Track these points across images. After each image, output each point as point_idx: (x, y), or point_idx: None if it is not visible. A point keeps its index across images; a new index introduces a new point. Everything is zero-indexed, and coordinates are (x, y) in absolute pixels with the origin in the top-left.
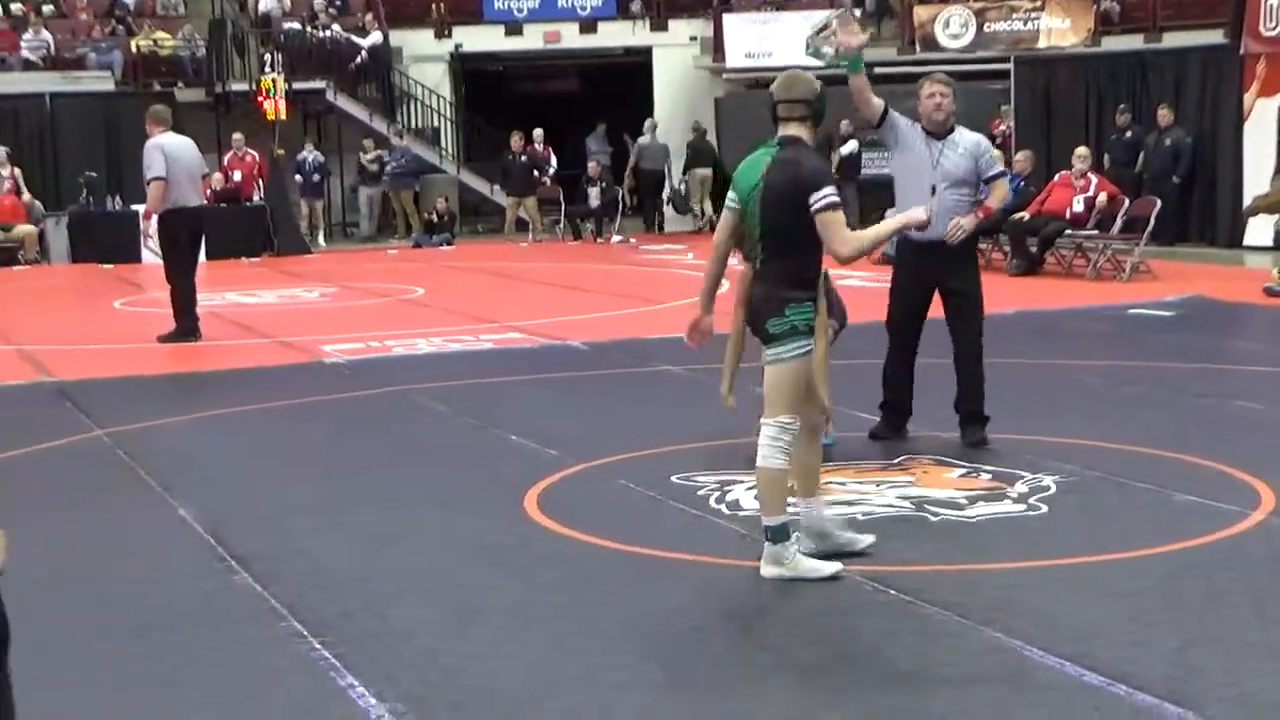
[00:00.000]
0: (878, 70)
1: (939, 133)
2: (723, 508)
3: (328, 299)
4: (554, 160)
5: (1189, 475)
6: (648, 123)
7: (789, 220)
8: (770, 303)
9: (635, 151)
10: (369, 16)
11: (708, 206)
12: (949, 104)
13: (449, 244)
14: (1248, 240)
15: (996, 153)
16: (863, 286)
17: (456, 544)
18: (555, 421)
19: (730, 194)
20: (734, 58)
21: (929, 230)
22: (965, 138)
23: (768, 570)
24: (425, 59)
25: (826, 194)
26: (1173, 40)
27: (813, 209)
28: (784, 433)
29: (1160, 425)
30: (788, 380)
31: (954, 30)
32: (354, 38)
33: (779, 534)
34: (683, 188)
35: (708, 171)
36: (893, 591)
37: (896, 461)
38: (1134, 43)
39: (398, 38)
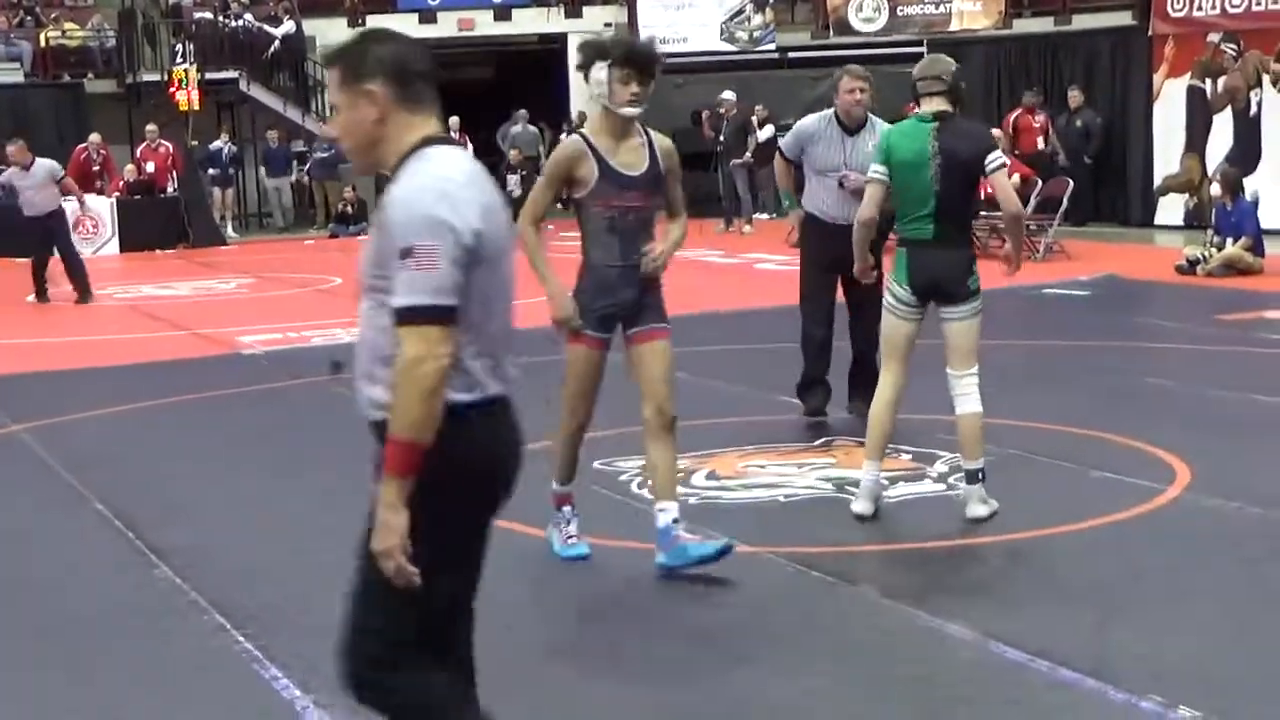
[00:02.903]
0: (791, 55)
1: (854, 126)
2: (645, 492)
3: (244, 290)
4: (470, 148)
5: (1105, 452)
6: (517, 112)
7: (967, 184)
8: (961, 265)
9: (508, 140)
10: (281, 5)
11: None
12: (867, 98)
13: (365, 233)
14: (1159, 219)
15: None
16: (777, 270)
17: None
18: None
19: (877, 167)
20: None
21: (843, 213)
22: (880, 129)
23: (979, 510)
24: None
25: (999, 156)
26: (1082, 22)
27: (989, 169)
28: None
29: (1076, 403)
30: (977, 332)
31: (867, 14)
32: (266, 27)
33: (981, 476)
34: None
35: None
36: (815, 573)
37: (818, 443)
38: (1044, 25)
39: (311, 26)
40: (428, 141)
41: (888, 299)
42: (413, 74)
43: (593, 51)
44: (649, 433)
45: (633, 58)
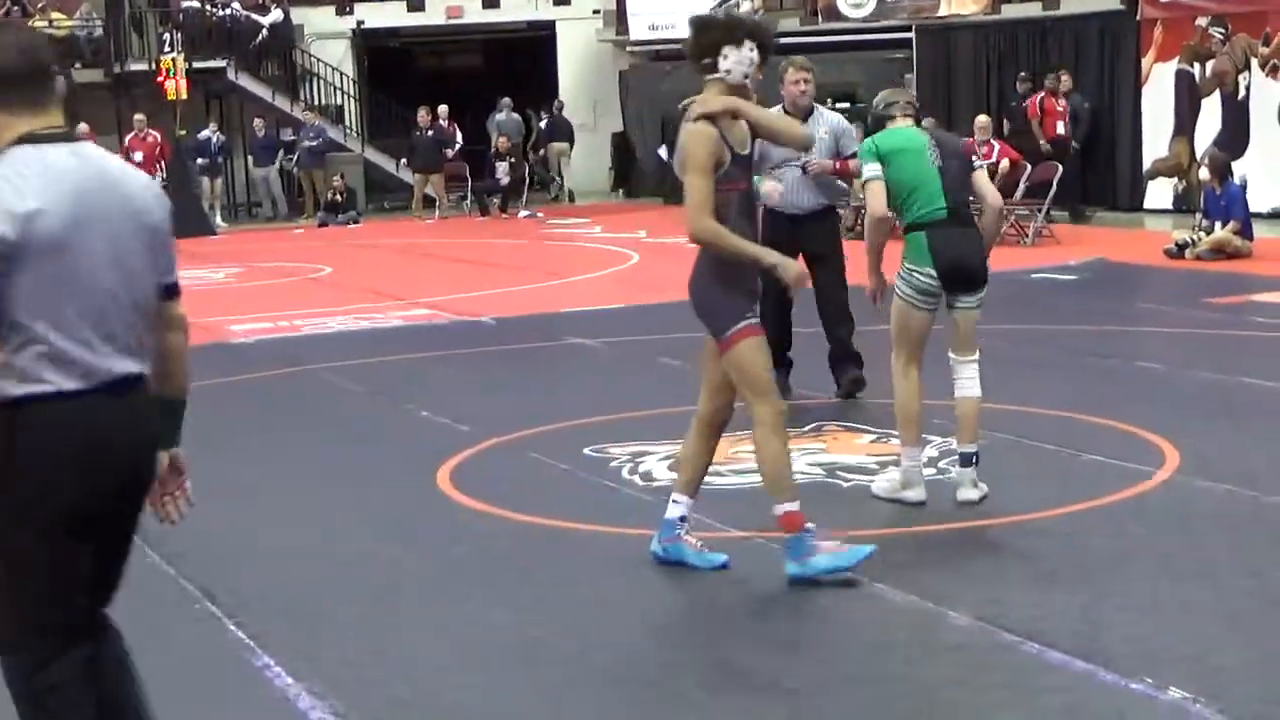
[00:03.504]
0: (780, 41)
1: (802, 115)
2: (635, 479)
3: (234, 279)
4: (459, 136)
5: (1095, 436)
6: (501, 100)
7: (963, 170)
8: (978, 243)
9: (495, 128)
10: None
11: (566, 178)
12: (812, 89)
13: (355, 222)
14: (1148, 203)
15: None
16: None
17: (371, 521)
18: (466, 397)
19: (871, 165)
20: (637, 30)
21: (794, 202)
22: (826, 118)
23: (971, 493)
24: (327, 36)
25: (977, 158)
26: (1070, 6)
27: (976, 167)
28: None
29: (1066, 387)
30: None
31: (855, 0)
32: (254, 15)
33: (975, 460)
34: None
35: (565, 145)
36: None
37: (808, 429)
38: (1033, 10)
39: (299, 15)
40: (23, 140)
41: (905, 291)
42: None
43: (733, 32)
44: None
45: (766, 40)
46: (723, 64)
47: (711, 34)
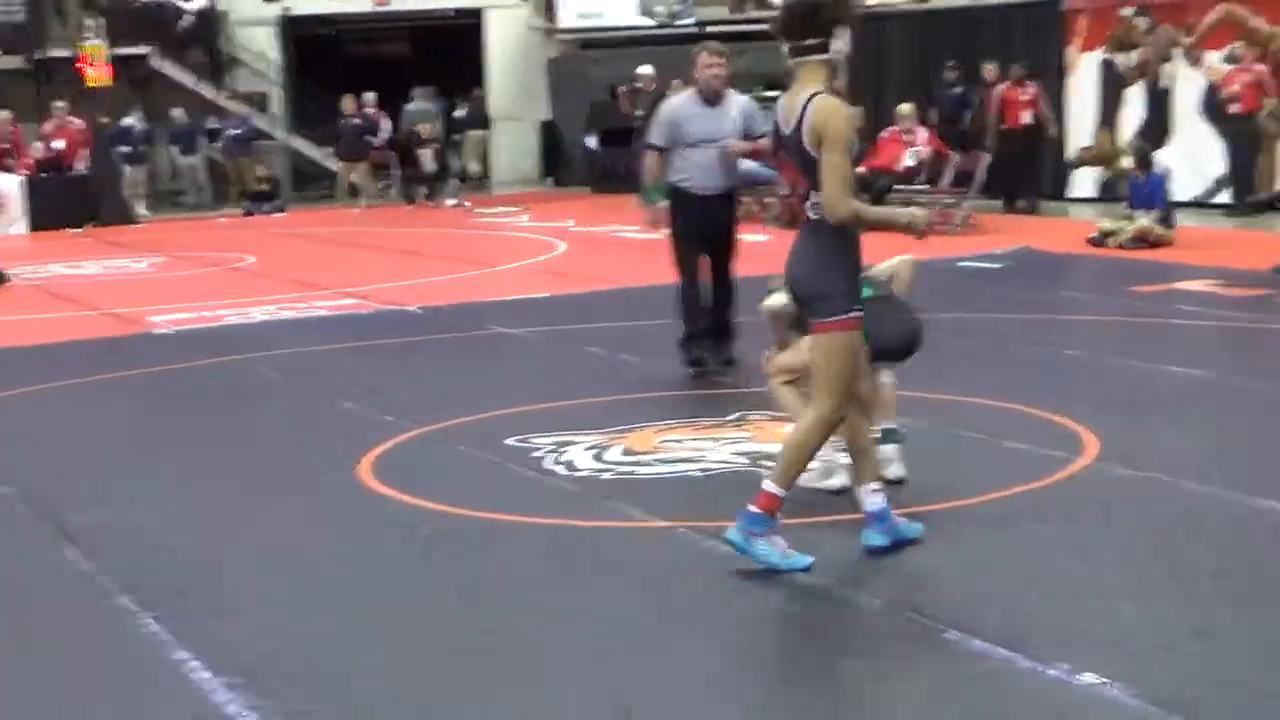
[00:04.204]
0: (710, 29)
1: (714, 99)
2: (559, 468)
3: (156, 269)
4: (386, 124)
5: (1018, 424)
6: (413, 90)
7: None
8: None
9: (405, 117)
10: None
11: (475, 166)
12: (725, 73)
13: (280, 211)
14: (1072, 193)
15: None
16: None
17: (292, 513)
18: (390, 387)
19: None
20: (566, 18)
21: (707, 183)
22: (737, 100)
23: (898, 470)
24: (252, 22)
25: None
26: None
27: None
28: None
29: (990, 375)
30: None
31: None
32: (178, 2)
33: (899, 436)
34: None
35: (481, 133)
36: (727, 547)
37: (733, 418)
38: None
39: (224, 1)
40: None
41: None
42: None
43: (844, 11)
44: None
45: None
46: (834, 44)
47: (825, 13)
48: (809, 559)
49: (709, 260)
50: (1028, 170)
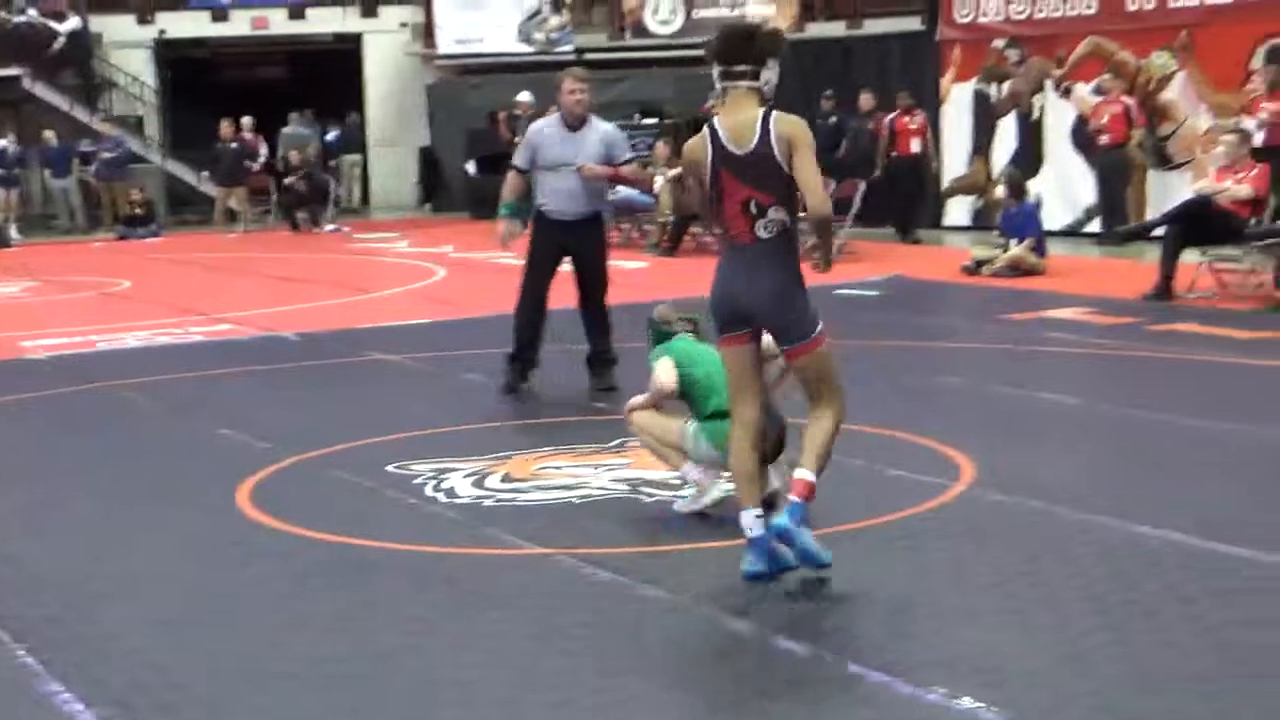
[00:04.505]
0: (588, 56)
1: (577, 124)
2: (439, 495)
3: (28, 294)
4: (264, 149)
5: (895, 450)
6: (290, 115)
7: None
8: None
9: (281, 141)
10: (66, 1)
11: (356, 190)
12: (588, 99)
13: (156, 235)
14: (946, 221)
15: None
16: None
17: (167, 542)
18: (267, 414)
19: (666, 360)
20: (445, 44)
21: (566, 207)
22: (599, 127)
23: (775, 483)
24: (127, 45)
25: None
26: (873, 26)
27: None
28: None
29: (867, 402)
30: None
31: (663, 16)
32: (51, 23)
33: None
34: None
35: (356, 157)
36: (608, 573)
37: (613, 444)
38: (837, 29)
39: (98, 23)
40: None
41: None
42: None
43: (777, 46)
44: None
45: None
46: (764, 74)
47: (760, 43)
48: (826, 556)
49: (578, 289)
50: (920, 198)
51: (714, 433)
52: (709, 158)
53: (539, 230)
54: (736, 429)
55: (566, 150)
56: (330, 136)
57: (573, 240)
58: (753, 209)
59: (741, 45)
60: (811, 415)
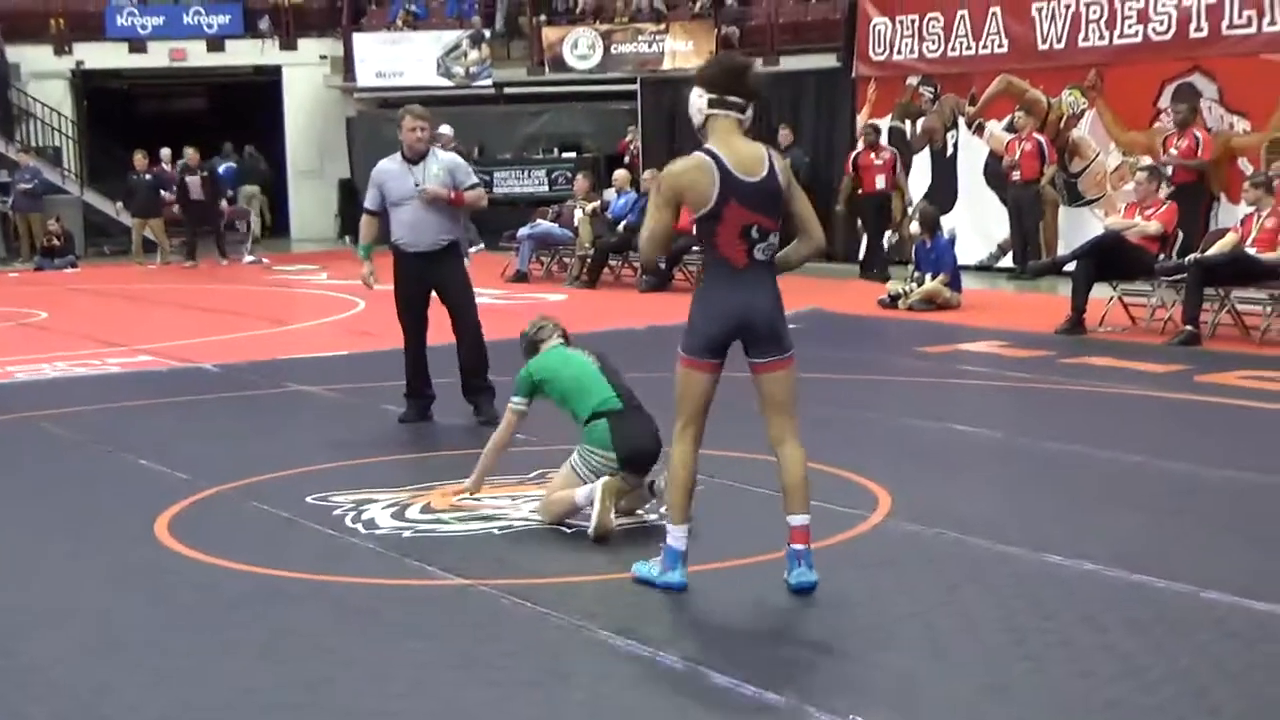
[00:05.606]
0: (508, 90)
1: (416, 158)
2: (358, 527)
3: None
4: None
5: (813, 481)
6: (225, 146)
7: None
8: (656, 433)
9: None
10: None
11: (256, 224)
12: (427, 134)
13: (73, 266)
14: (863, 255)
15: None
16: (493, 303)
17: (87, 573)
18: (186, 445)
19: (521, 400)
20: (365, 77)
21: (418, 239)
22: (441, 158)
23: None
24: (45, 75)
25: None
26: (790, 63)
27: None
28: None
29: None
30: None
31: (582, 51)
32: None
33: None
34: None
35: (255, 189)
36: (529, 604)
37: (532, 476)
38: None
39: (15, 53)
40: None
41: (582, 470)
42: None
43: (760, 88)
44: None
45: None
46: (748, 110)
47: (751, 81)
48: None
49: (451, 320)
50: (879, 236)
51: (598, 435)
52: (716, 184)
53: (399, 266)
54: (686, 445)
55: (410, 183)
56: (221, 169)
57: (431, 271)
58: (754, 234)
59: (737, 78)
60: (781, 453)
